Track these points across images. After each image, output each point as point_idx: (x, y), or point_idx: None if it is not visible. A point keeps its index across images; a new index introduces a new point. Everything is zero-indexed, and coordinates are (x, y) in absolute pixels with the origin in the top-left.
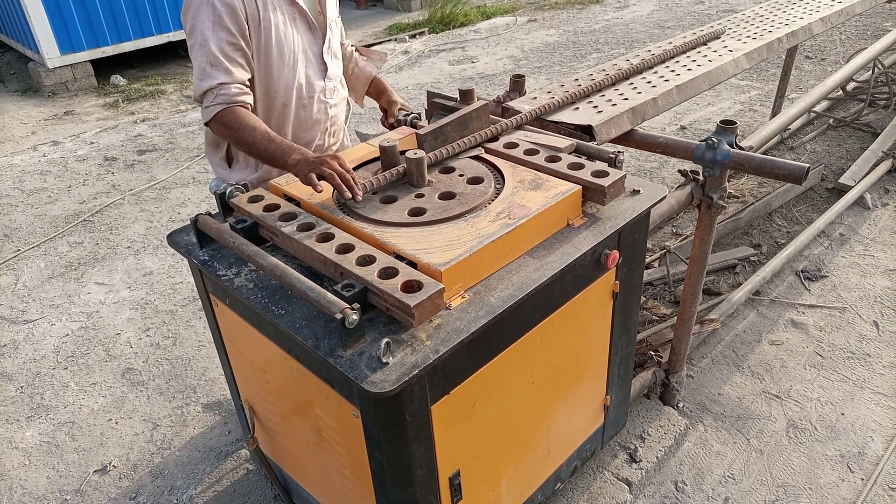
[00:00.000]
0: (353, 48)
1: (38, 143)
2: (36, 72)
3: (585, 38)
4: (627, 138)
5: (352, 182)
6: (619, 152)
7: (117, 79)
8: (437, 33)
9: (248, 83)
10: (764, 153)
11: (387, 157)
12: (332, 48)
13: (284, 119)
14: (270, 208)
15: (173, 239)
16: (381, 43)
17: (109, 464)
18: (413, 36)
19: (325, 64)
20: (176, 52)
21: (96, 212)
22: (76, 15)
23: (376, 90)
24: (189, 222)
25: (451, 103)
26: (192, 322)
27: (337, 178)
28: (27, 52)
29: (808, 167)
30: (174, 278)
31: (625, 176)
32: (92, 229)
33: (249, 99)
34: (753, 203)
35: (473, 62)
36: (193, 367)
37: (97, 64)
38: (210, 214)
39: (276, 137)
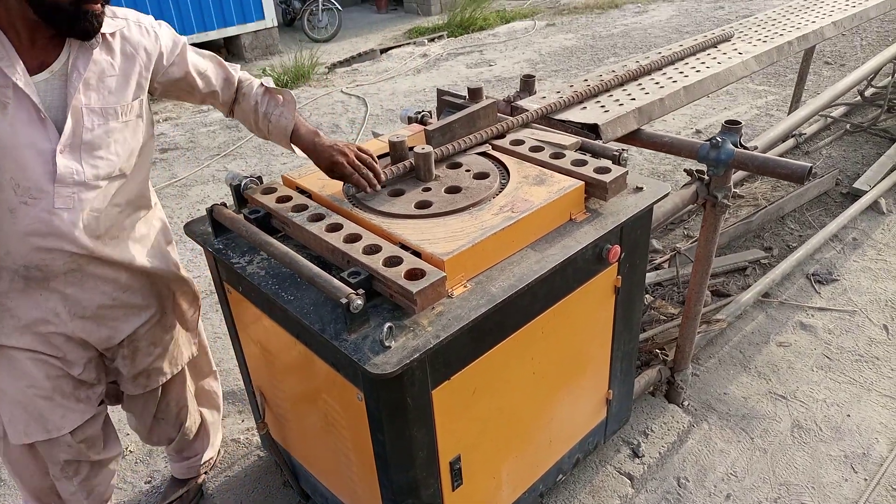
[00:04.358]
0: (262, 86)
1: None
2: None
3: (603, 43)
4: (634, 137)
5: None
6: (623, 150)
7: None
8: (455, 37)
9: None
10: (780, 157)
11: (396, 151)
12: (89, 143)
13: None
14: (283, 199)
15: (190, 228)
16: (399, 46)
17: (126, 448)
18: (432, 39)
19: (55, 164)
20: None
21: None
22: None
23: (304, 145)
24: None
25: (460, 101)
26: (208, 314)
27: None
28: None
29: (811, 167)
30: (192, 272)
31: (626, 172)
32: None
33: None
34: (766, 206)
35: (491, 65)
36: None
37: None
38: (225, 205)
39: None
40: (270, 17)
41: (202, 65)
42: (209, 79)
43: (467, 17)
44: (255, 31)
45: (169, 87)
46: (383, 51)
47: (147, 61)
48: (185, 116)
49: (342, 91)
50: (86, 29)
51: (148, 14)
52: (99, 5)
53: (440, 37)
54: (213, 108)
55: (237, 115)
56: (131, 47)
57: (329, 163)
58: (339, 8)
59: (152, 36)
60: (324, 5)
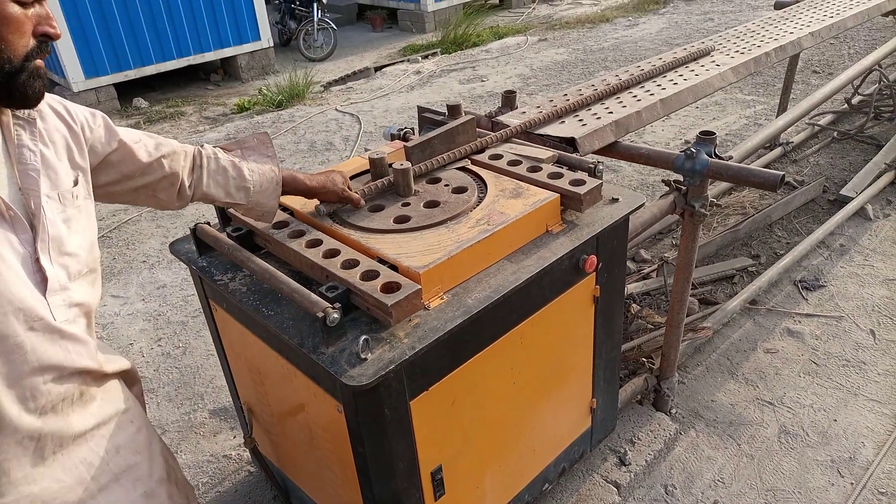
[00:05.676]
0: (214, 151)
1: None
2: (61, 95)
3: (594, 56)
4: (612, 150)
5: None
6: (598, 162)
7: (139, 101)
8: (449, 54)
9: None
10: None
11: (376, 168)
12: (56, 238)
13: None
14: None
15: (175, 247)
16: (394, 64)
17: None
18: (426, 56)
19: (42, 271)
20: (196, 75)
21: (115, 228)
22: (100, 40)
23: (295, 189)
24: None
25: (440, 118)
26: (201, 332)
27: None
28: (53, 77)
29: (783, 175)
30: (186, 291)
31: (601, 184)
32: (110, 245)
33: None
34: (753, 215)
35: (483, 81)
36: (202, 375)
37: (120, 87)
38: (209, 224)
39: None
40: (266, 38)
41: (133, 134)
42: (147, 146)
43: (461, 34)
44: (251, 52)
45: (106, 166)
46: (378, 69)
47: (69, 131)
48: (182, 137)
49: (336, 109)
50: (37, 91)
51: (145, 36)
52: (42, 61)
53: (434, 54)
54: (163, 203)
55: (201, 187)
56: (50, 113)
57: (343, 182)
58: (335, 27)
59: (62, 107)
60: (319, 25)
